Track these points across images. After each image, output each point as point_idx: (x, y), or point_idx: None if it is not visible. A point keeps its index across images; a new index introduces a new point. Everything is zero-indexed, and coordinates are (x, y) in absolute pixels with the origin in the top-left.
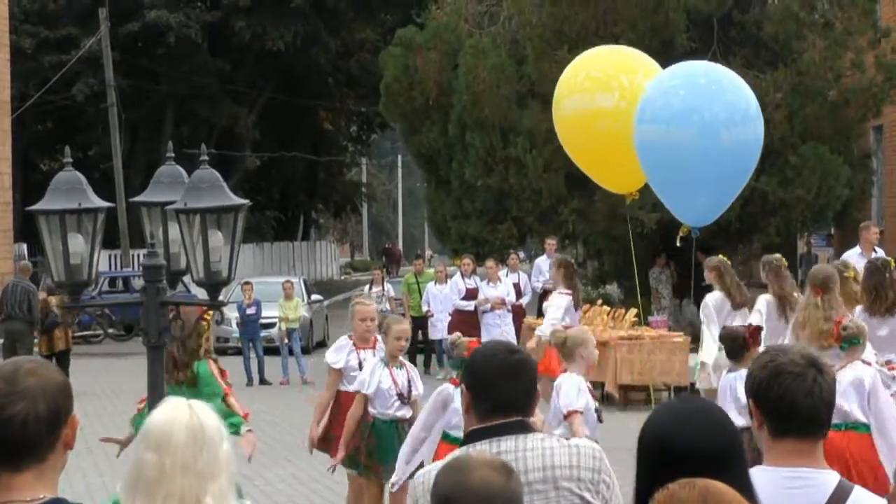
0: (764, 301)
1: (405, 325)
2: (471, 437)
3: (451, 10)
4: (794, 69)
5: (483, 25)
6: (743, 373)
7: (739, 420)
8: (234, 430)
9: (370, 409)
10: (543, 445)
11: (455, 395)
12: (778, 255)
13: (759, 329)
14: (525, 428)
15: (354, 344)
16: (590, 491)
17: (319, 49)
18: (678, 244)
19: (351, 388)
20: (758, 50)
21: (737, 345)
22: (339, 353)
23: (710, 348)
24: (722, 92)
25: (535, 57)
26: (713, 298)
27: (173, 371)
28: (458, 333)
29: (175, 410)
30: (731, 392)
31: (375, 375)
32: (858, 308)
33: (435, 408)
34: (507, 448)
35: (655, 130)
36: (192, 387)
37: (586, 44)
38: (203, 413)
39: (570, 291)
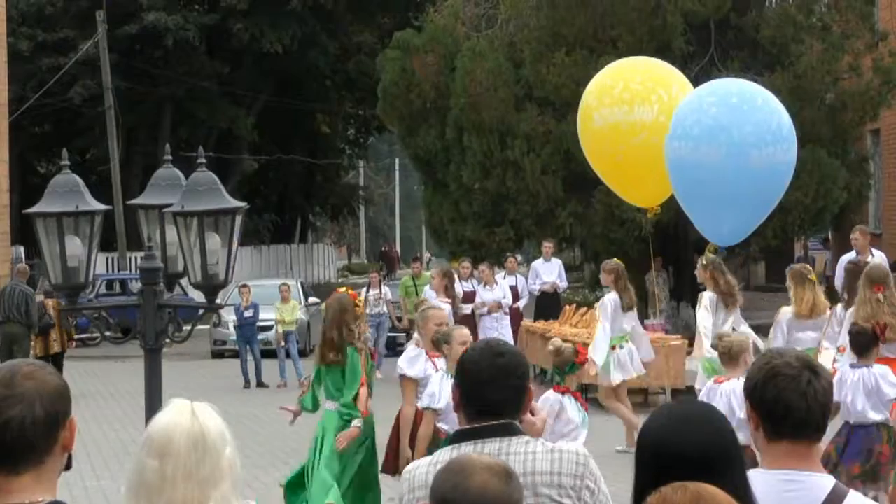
0: (707, 297)
1: (466, 330)
2: (457, 438)
3: (449, 13)
4: (792, 72)
5: (480, 28)
6: (877, 369)
7: (877, 415)
8: (346, 422)
9: (440, 426)
10: (527, 450)
11: (565, 403)
12: (714, 256)
13: (886, 326)
14: (511, 431)
15: (426, 351)
16: (570, 498)
17: (317, 52)
18: (703, 263)
19: (420, 405)
20: (755, 53)
21: (865, 340)
22: (414, 362)
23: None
24: (754, 111)
25: (532, 60)
26: (611, 299)
27: (327, 353)
28: (558, 339)
29: (177, 416)
30: (866, 386)
31: (444, 388)
32: (839, 306)
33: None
34: (490, 450)
35: (685, 147)
36: (341, 369)
37: (583, 47)
38: (206, 417)
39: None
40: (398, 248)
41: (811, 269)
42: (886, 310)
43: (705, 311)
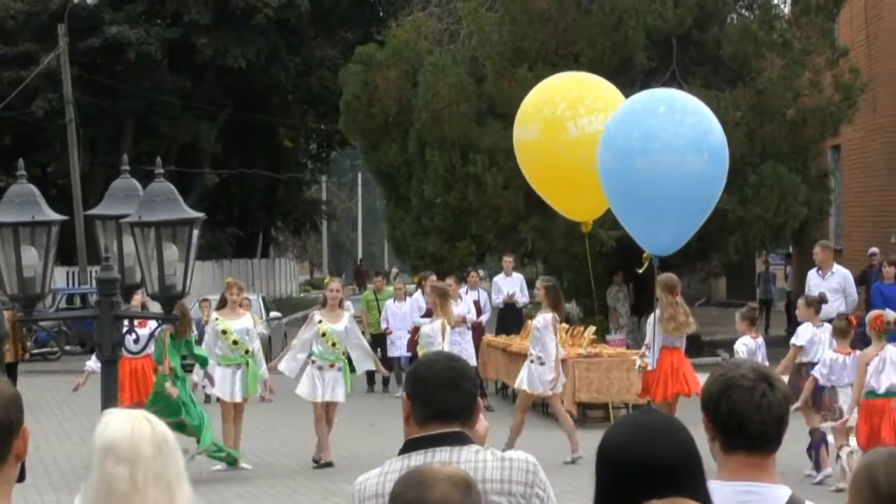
0: (542, 317)
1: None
2: (408, 447)
3: (411, 27)
4: (753, 88)
5: (443, 43)
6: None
7: None
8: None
9: None
10: (476, 458)
11: None
12: (550, 278)
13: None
14: (462, 440)
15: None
16: None
17: (279, 67)
18: (639, 271)
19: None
20: (717, 69)
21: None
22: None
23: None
24: (684, 119)
25: (494, 75)
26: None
27: None
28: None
29: (135, 423)
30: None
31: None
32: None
33: None
34: (440, 459)
35: (618, 158)
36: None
37: (546, 62)
38: (161, 424)
39: None
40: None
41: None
42: (681, 311)
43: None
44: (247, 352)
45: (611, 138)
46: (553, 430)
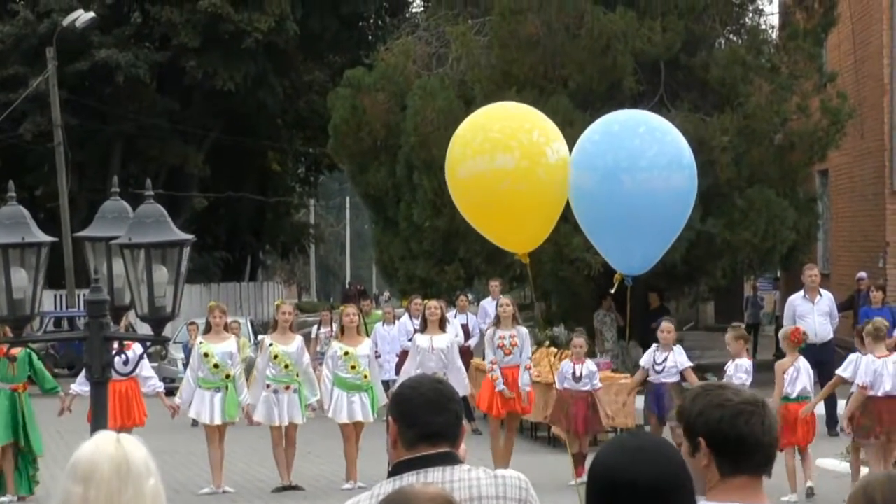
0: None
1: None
2: (398, 469)
3: (400, 51)
4: (741, 113)
5: (431, 67)
6: None
7: None
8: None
9: None
10: (470, 476)
11: None
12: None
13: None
14: (453, 459)
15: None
16: None
17: (267, 90)
18: (611, 291)
19: None
20: (704, 93)
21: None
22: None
23: None
24: (664, 138)
25: (483, 99)
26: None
27: None
28: None
29: (102, 443)
30: None
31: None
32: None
33: None
34: (434, 479)
35: (588, 178)
36: None
37: (534, 86)
38: (130, 446)
39: None
40: (347, 286)
41: None
42: None
43: None
44: (227, 376)
45: (589, 158)
46: (546, 454)
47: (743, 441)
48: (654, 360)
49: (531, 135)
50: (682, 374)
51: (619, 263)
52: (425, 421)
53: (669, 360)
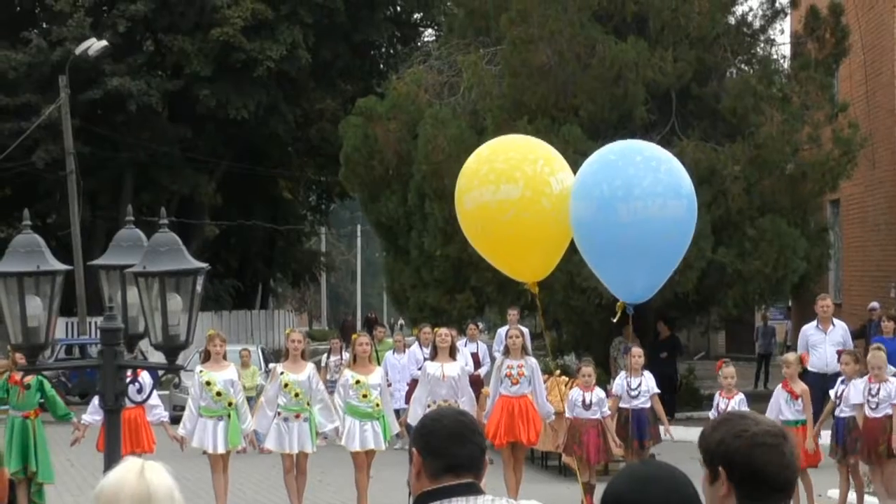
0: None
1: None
2: (422, 500)
3: (411, 80)
4: (752, 142)
5: (443, 96)
6: None
7: None
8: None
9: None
10: None
11: None
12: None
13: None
14: (476, 490)
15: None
16: None
17: (278, 119)
18: (613, 320)
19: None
20: (716, 123)
21: None
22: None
23: None
24: (660, 167)
25: (494, 128)
26: None
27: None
28: None
29: (125, 473)
30: None
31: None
32: None
33: None
34: None
35: (584, 207)
36: None
37: (546, 115)
38: (154, 475)
39: None
40: (359, 314)
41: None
42: None
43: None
44: (230, 403)
45: (587, 189)
46: (557, 483)
47: (762, 472)
48: (629, 385)
49: (536, 165)
50: (650, 398)
51: (619, 292)
52: (450, 453)
53: (643, 385)
